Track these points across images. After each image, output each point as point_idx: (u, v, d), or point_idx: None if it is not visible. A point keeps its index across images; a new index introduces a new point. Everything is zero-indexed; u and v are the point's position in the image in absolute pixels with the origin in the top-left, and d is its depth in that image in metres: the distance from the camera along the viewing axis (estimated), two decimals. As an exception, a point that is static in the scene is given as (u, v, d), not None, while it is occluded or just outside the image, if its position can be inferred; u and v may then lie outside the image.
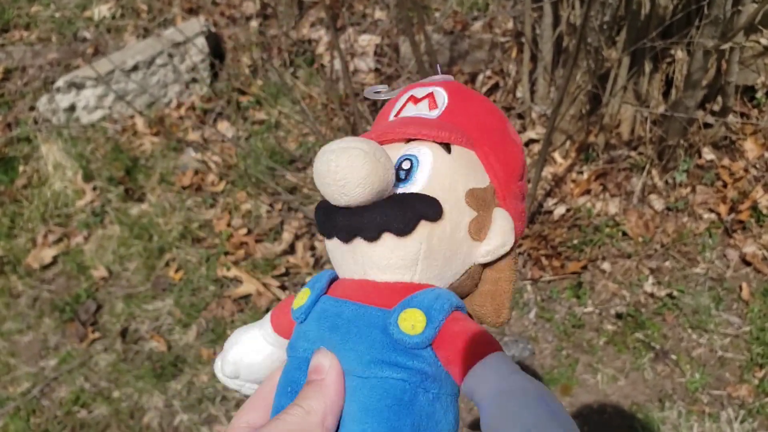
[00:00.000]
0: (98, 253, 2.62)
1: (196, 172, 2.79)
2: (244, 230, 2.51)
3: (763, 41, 2.02)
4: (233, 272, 2.36)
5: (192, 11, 3.39)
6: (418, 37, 2.27)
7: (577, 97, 2.23)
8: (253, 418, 0.47)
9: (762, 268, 2.10)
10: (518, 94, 2.61)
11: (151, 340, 2.30)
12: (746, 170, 2.28)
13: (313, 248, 2.42)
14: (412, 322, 0.41)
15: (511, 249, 0.47)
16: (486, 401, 0.37)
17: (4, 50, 3.41)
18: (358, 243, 0.43)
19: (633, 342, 2.03)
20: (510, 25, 2.77)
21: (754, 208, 2.18)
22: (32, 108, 3.16)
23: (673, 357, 1.99)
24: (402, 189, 0.44)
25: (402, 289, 0.43)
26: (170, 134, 2.93)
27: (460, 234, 0.44)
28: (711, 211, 2.25)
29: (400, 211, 0.42)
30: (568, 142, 2.43)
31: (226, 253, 2.46)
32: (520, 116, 2.57)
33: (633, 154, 2.38)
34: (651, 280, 2.14)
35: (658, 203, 2.28)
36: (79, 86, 3.00)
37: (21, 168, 2.96)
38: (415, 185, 0.44)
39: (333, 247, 0.46)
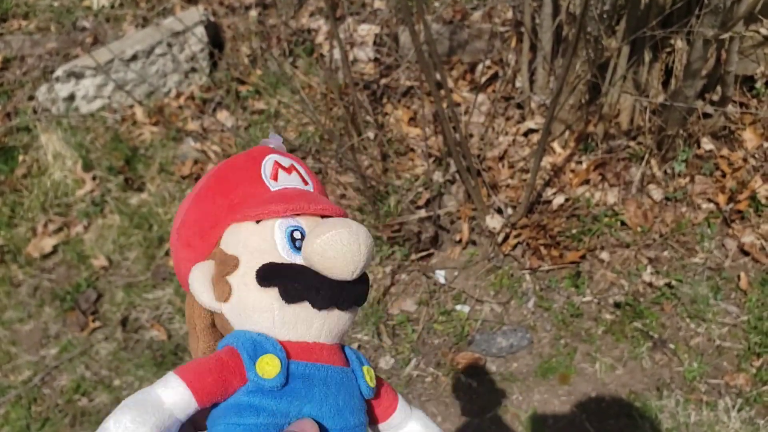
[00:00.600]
0: (98, 242, 2.63)
1: (196, 162, 2.79)
2: (244, 220, 2.51)
3: (762, 31, 2.02)
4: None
5: (191, 0, 3.38)
6: (418, 27, 2.27)
7: (577, 87, 2.23)
8: None
9: (760, 257, 2.10)
10: (517, 84, 2.61)
11: (151, 329, 2.31)
12: (745, 160, 2.28)
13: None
14: (370, 375, 0.50)
15: None
16: (416, 428, 0.54)
17: (2, 39, 3.40)
18: (332, 311, 0.48)
19: (631, 331, 2.04)
20: (509, 14, 2.77)
21: (753, 198, 2.18)
22: (31, 97, 3.15)
23: (671, 346, 2.00)
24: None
25: (337, 350, 0.50)
26: (170, 124, 2.93)
27: None
28: (710, 200, 2.25)
29: (366, 286, 0.49)
30: (567, 132, 2.43)
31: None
32: (520, 106, 2.57)
33: (632, 143, 2.38)
34: (649, 269, 2.15)
35: (656, 193, 2.28)
36: (78, 76, 2.99)
37: (21, 157, 2.96)
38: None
39: (293, 311, 0.47)
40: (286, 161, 0.55)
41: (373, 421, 0.52)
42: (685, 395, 1.89)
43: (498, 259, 2.27)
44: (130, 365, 2.22)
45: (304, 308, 0.47)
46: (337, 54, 2.52)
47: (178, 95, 3.08)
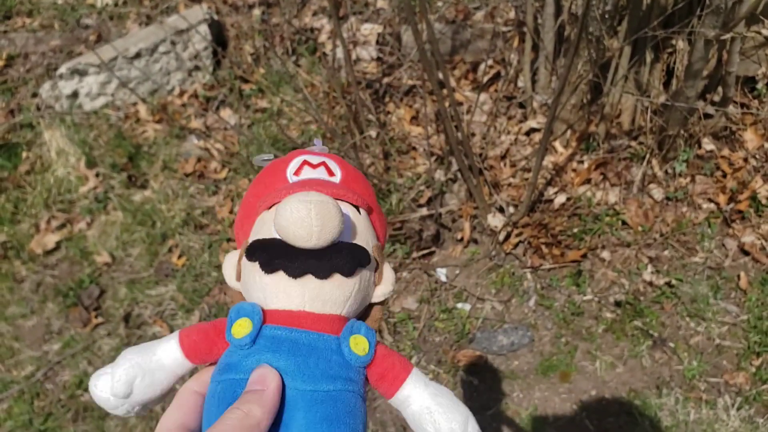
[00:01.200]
0: (101, 238, 2.64)
1: (199, 160, 2.80)
2: (246, 217, 2.52)
3: (764, 32, 2.03)
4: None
5: (194, -1, 3.39)
6: (421, 26, 2.28)
7: (578, 87, 2.24)
8: (182, 419, 0.50)
9: (760, 257, 2.11)
10: (520, 84, 2.62)
11: (154, 325, 2.32)
12: (746, 160, 2.29)
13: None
14: (362, 345, 0.51)
15: None
16: (425, 403, 0.52)
17: (6, 37, 3.42)
18: (309, 279, 0.50)
19: (631, 330, 2.05)
20: (512, 14, 2.78)
21: (753, 198, 2.19)
22: (35, 95, 3.16)
23: (671, 345, 2.01)
24: None
25: (337, 320, 0.52)
26: (173, 121, 2.94)
27: (372, 279, 0.55)
28: (710, 200, 2.26)
29: (349, 256, 0.51)
30: (568, 132, 2.44)
31: (229, 240, 2.48)
32: (522, 105, 2.58)
33: (633, 143, 2.39)
34: (650, 268, 2.16)
35: (657, 193, 2.29)
36: (81, 73, 3.00)
37: (24, 154, 2.97)
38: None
39: (273, 280, 0.51)
40: (316, 159, 0.59)
41: (383, 394, 0.53)
42: (685, 393, 1.90)
43: (499, 257, 2.28)
44: (133, 361, 2.22)
45: (282, 278, 0.50)
46: (339, 53, 2.54)
47: (182, 93, 3.09)
